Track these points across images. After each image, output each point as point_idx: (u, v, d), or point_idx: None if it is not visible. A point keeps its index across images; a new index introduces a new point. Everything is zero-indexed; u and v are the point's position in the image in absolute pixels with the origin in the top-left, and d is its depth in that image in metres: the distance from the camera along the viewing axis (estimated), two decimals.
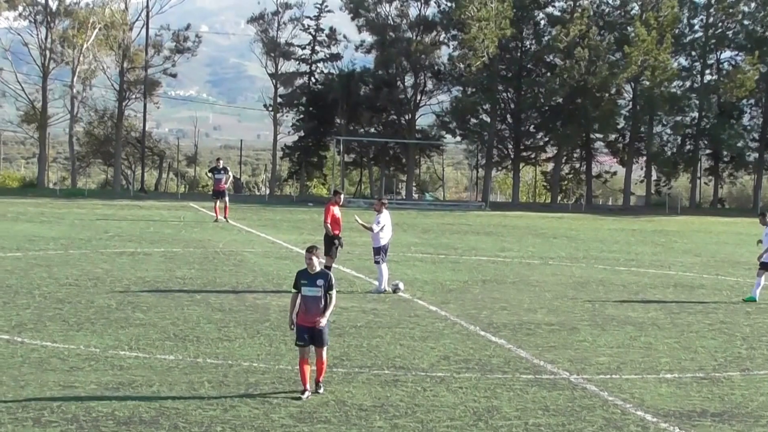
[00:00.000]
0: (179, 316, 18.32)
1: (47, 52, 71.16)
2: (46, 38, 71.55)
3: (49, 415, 11.49)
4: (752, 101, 76.47)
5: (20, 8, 73.00)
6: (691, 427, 12.10)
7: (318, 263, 12.99)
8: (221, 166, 41.93)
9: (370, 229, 22.74)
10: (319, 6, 79.33)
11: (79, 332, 16.44)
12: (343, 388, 13.31)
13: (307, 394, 12.73)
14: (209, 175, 42.29)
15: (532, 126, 77.90)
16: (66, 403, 11.92)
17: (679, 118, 75.93)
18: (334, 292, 13.04)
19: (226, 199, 41.50)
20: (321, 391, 12.95)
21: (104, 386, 12.83)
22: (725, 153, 76.79)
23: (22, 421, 11.21)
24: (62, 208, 48.05)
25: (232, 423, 11.48)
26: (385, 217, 22.89)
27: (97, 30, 71.45)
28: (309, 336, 12.92)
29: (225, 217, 41.15)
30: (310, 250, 13.01)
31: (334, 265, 23.02)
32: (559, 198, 78.20)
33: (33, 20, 72.85)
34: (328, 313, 13.02)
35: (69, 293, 20.58)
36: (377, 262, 22.63)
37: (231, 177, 43.03)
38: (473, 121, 77.37)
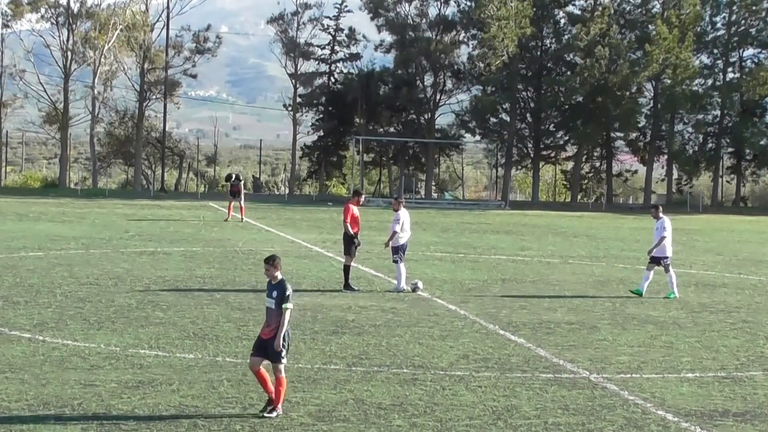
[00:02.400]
0: (199, 315, 18.37)
1: (69, 54, 71.69)
2: (67, 40, 72.10)
3: (70, 413, 11.54)
4: None
5: (42, 10, 73.56)
6: (712, 427, 12.01)
7: (279, 273, 11.97)
8: (235, 175, 43.02)
9: (394, 234, 22.71)
10: (338, 6, 79.53)
11: (100, 331, 16.50)
12: (362, 387, 13.27)
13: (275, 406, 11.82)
14: (226, 182, 43.52)
15: (552, 125, 77.87)
16: (86, 402, 11.94)
17: (700, 117, 75.71)
18: (288, 307, 11.73)
19: (241, 200, 41.82)
20: (273, 415, 11.68)
21: (124, 384, 12.88)
22: (748, 151, 76.53)
23: (43, 419, 11.27)
24: (83, 208, 48.46)
25: (252, 421, 11.48)
26: (404, 215, 22.89)
27: (118, 31, 71.94)
28: (264, 348, 11.84)
29: (241, 217, 41.38)
30: (267, 261, 12.05)
31: (353, 264, 23.02)
32: (579, 197, 78.05)
33: (55, 22, 73.49)
34: (280, 334, 11.73)
35: (90, 292, 20.67)
36: (396, 261, 22.64)
37: (242, 187, 43.75)
38: (493, 120, 77.45)
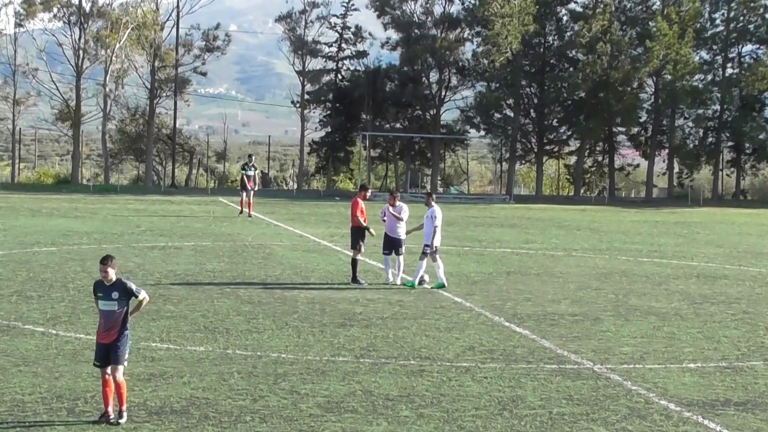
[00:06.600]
0: (209, 308, 18.47)
1: (81, 52, 71.93)
2: (79, 39, 72.31)
3: (83, 406, 11.69)
4: None
5: (55, 10, 73.83)
6: (714, 416, 12.10)
7: (114, 274, 11.32)
8: (252, 162, 42.61)
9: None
10: (345, 4, 79.67)
11: None
12: (370, 378, 13.39)
13: (109, 417, 11.24)
14: (243, 171, 42.70)
15: (555, 120, 77.86)
16: (99, 394, 11.89)
17: (700, 111, 75.69)
18: (144, 296, 11.45)
19: (251, 195, 41.70)
20: (122, 420, 11.15)
21: (136, 377, 12.98)
22: (747, 145, 76.41)
23: (57, 411, 11.42)
24: (95, 204, 48.50)
25: (261, 413, 11.59)
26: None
27: (129, 30, 72.11)
28: (106, 354, 11.33)
29: (249, 212, 41.34)
30: (104, 261, 11.31)
31: (359, 257, 23.10)
32: (582, 190, 78.16)
33: (67, 21, 73.69)
34: (134, 314, 11.61)
35: None
36: (400, 254, 22.69)
37: (258, 173, 43.39)
38: (497, 115, 77.47)
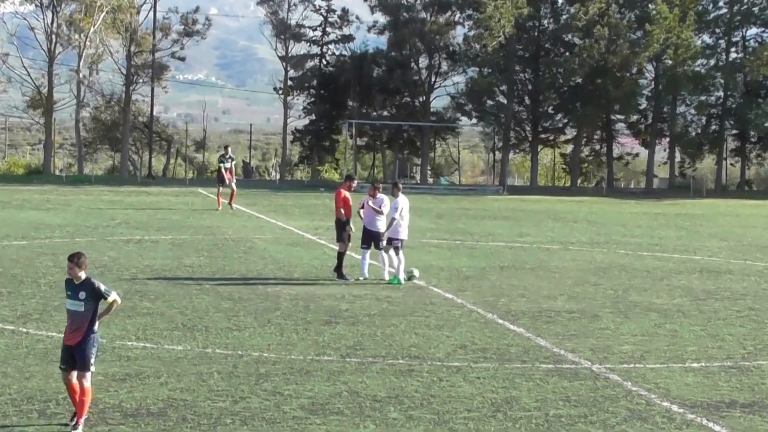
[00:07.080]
0: (188, 305, 18.28)
1: (53, 37, 71.20)
2: (52, 22, 71.61)
3: (55, 407, 11.48)
4: None
5: None
6: (719, 419, 11.88)
7: (82, 272, 11.03)
8: (229, 154, 41.62)
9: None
10: None
11: None
12: (357, 379, 13.22)
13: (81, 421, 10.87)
14: (220, 164, 41.71)
15: (551, 107, 77.49)
16: None
17: (703, 98, 75.08)
18: (114, 298, 11.12)
19: (233, 186, 40.64)
20: (78, 430, 10.68)
21: (111, 377, 12.79)
22: (752, 133, 76.16)
23: (27, 413, 11.23)
24: (68, 195, 48.25)
25: (242, 415, 11.44)
26: (387, 200, 22.53)
27: (104, 13, 71.32)
28: (71, 357, 10.94)
29: (230, 204, 40.52)
30: (71, 258, 11.01)
31: (348, 252, 22.75)
32: (579, 181, 77.80)
33: (39, 4, 72.80)
34: (104, 317, 11.36)
35: None
36: (381, 249, 22.19)
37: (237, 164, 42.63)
38: (489, 102, 77.10)
